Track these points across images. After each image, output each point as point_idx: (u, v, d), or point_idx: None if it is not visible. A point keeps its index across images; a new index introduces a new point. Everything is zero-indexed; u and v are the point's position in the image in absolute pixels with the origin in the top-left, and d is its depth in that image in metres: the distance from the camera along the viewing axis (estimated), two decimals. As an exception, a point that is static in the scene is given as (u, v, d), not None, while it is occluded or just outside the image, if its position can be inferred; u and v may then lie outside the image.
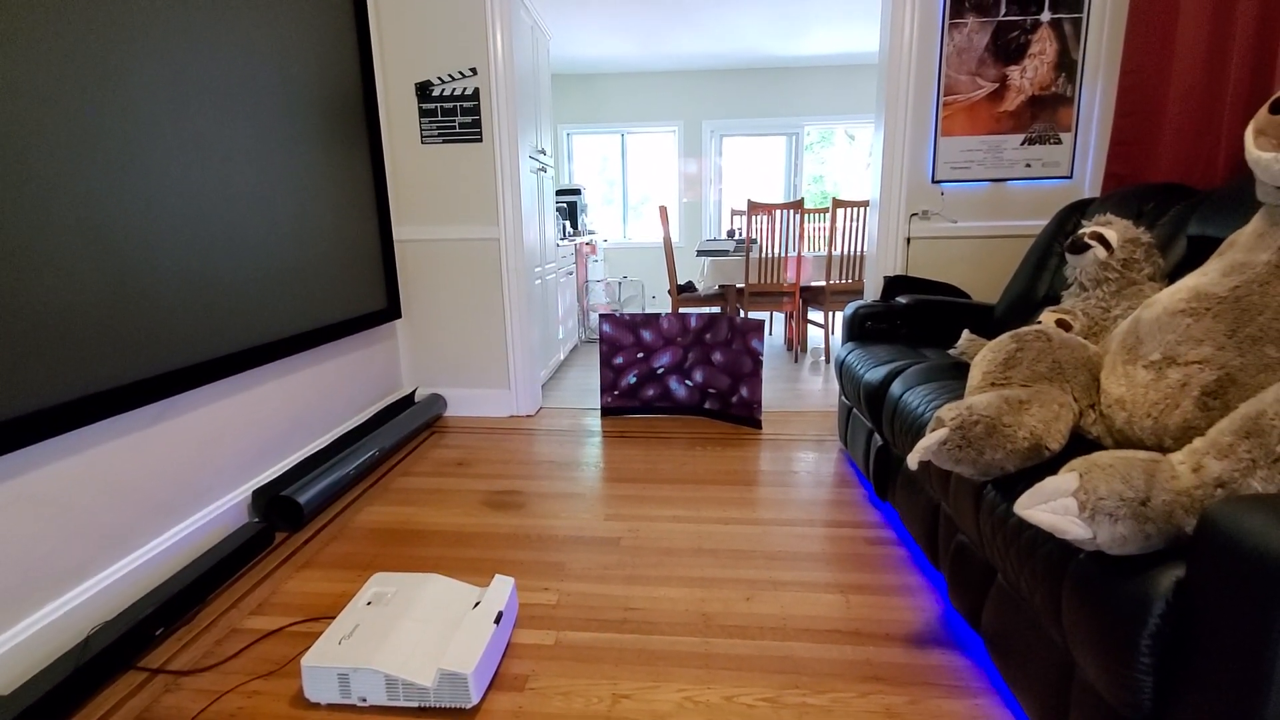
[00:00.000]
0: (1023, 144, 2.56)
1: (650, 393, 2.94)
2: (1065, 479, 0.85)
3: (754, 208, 3.78)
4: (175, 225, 1.63)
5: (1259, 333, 0.94)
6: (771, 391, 3.35)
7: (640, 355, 2.90)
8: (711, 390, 2.90)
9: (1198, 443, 0.83)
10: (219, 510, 1.83)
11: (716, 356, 2.85)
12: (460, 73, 2.72)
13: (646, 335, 2.89)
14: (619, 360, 2.92)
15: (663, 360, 2.90)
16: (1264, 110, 1.00)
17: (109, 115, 1.44)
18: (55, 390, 1.32)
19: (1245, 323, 0.96)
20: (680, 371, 2.91)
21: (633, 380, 2.92)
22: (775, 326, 5.25)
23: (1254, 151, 1.01)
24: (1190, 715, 0.73)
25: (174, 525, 1.69)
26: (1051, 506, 0.85)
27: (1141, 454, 0.86)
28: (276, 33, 2.01)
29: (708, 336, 2.85)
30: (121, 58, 1.48)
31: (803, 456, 2.44)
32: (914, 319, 2.29)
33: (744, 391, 2.81)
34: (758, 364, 2.74)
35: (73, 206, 1.36)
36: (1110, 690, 0.83)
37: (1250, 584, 0.65)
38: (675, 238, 6.32)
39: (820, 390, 3.38)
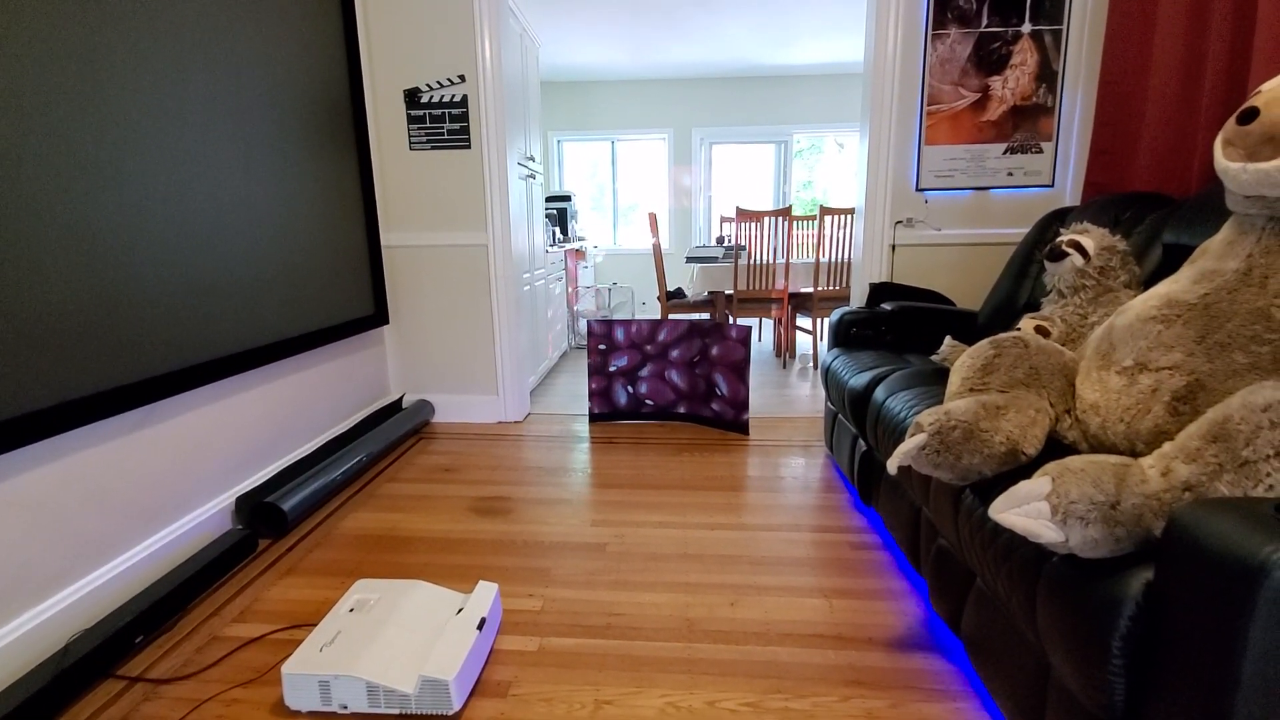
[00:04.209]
0: (1005, 153, 2.60)
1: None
2: (1038, 483, 0.87)
3: (743, 215, 3.81)
4: (160, 231, 1.63)
5: (1227, 339, 0.96)
6: (759, 397, 3.37)
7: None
8: (649, 402, 2.93)
9: (1167, 447, 0.85)
10: (202, 517, 1.82)
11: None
12: (449, 80, 2.73)
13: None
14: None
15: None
16: (1231, 121, 1.03)
17: (95, 122, 1.44)
18: (36, 395, 1.31)
19: (1214, 329, 0.98)
20: (627, 376, 2.92)
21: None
22: (764, 332, 5.27)
23: (1222, 161, 1.04)
24: (1162, 716, 0.74)
25: (156, 532, 1.68)
26: (1025, 510, 0.86)
27: (1112, 458, 0.87)
28: (265, 40, 2.01)
29: (674, 354, 2.87)
30: (110, 65, 1.47)
31: (789, 462, 2.45)
32: (898, 325, 2.32)
33: (681, 409, 2.89)
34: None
35: (58, 212, 1.35)
36: (1084, 691, 0.84)
37: (1216, 586, 0.67)
38: (665, 244, 6.34)
39: (808, 396, 3.40)
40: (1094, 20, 2.45)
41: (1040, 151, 2.59)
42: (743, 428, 2.79)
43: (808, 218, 4.57)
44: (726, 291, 4.02)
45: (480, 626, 1.31)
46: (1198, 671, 0.69)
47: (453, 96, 2.74)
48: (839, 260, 3.89)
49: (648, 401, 2.93)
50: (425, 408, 2.94)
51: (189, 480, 1.79)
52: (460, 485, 2.29)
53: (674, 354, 2.88)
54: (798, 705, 1.22)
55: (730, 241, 4.94)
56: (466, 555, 1.80)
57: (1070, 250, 1.52)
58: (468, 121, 2.75)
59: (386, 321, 2.84)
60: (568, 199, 4.97)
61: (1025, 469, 1.08)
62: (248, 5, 1.94)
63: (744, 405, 2.76)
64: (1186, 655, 0.71)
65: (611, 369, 2.92)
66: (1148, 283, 1.55)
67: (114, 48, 1.50)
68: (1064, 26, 2.49)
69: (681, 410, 2.93)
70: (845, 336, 2.36)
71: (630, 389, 2.93)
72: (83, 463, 1.47)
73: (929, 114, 2.59)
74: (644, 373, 2.91)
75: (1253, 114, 0.99)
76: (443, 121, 2.77)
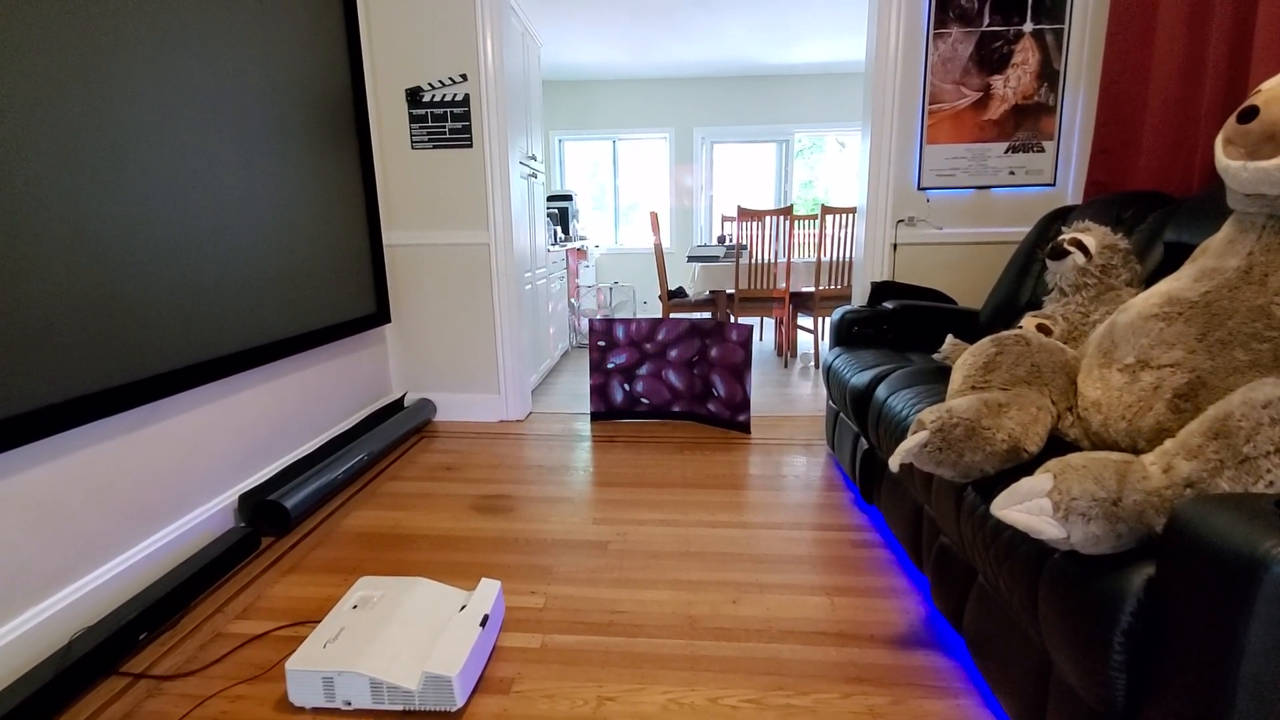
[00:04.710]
0: (1006, 152, 2.60)
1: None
2: (1040, 480, 0.87)
3: (744, 214, 3.81)
4: (162, 230, 1.63)
5: (1228, 336, 0.97)
6: (761, 396, 3.37)
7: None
8: (645, 401, 2.93)
9: (1168, 444, 0.85)
10: (205, 515, 1.82)
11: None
12: (451, 79, 2.73)
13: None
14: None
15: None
16: (1232, 120, 1.03)
17: (96, 122, 1.44)
18: (38, 394, 1.32)
19: (1215, 327, 0.99)
20: (625, 374, 2.93)
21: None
22: (766, 332, 5.27)
23: (1223, 160, 1.04)
24: (1162, 712, 0.74)
25: (159, 530, 1.68)
26: (1027, 507, 0.87)
27: (1114, 455, 0.87)
28: (267, 40, 2.01)
29: (672, 353, 2.87)
30: (110, 64, 1.48)
31: (791, 461, 2.45)
32: (900, 324, 2.32)
33: (676, 408, 2.90)
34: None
35: (58, 212, 1.36)
36: (1085, 688, 0.84)
37: (1216, 581, 0.67)
38: (666, 243, 6.34)
39: (809, 395, 3.40)
40: (1095, 19, 2.45)
41: (1042, 150, 2.59)
42: (741, 427, 2.79)
43: (809, 217, 4.57)
44: (728, 290, 4.03)
45: (483, 623, 1.31)
46: (1199, 666, 0.69)
47: (454, 95, 2.74)
48: (840, 259, 3.89)
49: (643, 400, 2.93)
50: (427, 406, 2.94)
51: (191, 478, 1.79)
52: (462, 484, 2.29)
53: (673, 354, 2.88)
54: (799, 702, 1.23)
55: (731, 241, 4.94)
56: (469, 553, 1.81)
57: (1072, 249, 1.52)
58: (469, 120, 2.76)
59: (388, 320, 2.84)
60: (569, 198, 4.97)
61: (1027, 466, 1.08)
62: (249, 3, 1.94)
63: (741, 406, 2.77)
64: (1187, 650, 0.71)
65: (609, 366, 2.93)
66: (1149, 281, 1.55)
67: (114, 45, 1.50)
68: (1065, 26, 2.49)
69: (677, 409, 2.93)
70: (847, 335, 2.36)
71: (627, 387, 2.93)
72: (84, 461, 1.47)
73: (930, 113, 2.60)
74: (641, 371, 2.91)
75: (1253, 112, 0.99)
76: (444, 120, 2.77)
